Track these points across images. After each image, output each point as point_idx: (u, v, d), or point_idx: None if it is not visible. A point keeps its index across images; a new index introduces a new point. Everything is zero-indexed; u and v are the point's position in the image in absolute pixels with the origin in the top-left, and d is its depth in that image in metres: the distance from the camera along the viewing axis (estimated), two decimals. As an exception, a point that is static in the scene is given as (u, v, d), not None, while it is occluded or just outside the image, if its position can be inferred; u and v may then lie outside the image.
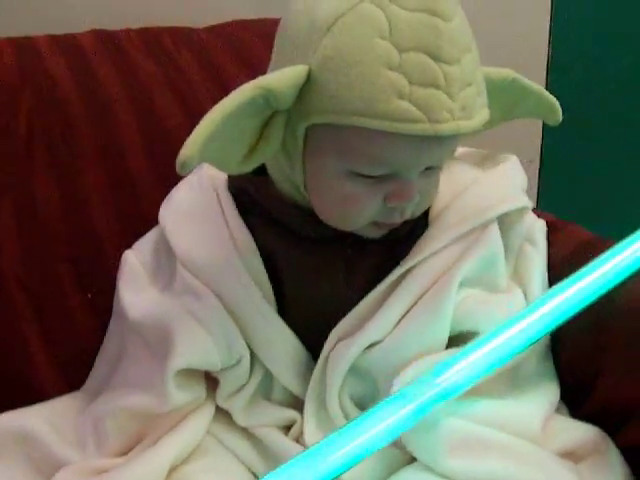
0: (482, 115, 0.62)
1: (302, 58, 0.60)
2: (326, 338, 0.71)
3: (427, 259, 0.69)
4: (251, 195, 0.73)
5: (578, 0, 1.43)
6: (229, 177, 0.75)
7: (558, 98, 0.75)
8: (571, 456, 0.68)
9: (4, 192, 0.85)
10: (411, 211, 0.67)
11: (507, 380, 0.70)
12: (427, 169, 0.65)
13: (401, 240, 0.71)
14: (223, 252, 0.71)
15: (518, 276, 0.74)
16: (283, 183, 0.71)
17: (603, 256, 0.63)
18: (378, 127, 0.58)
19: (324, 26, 0.59)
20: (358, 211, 0.65)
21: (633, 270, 0.64)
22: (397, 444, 0.67)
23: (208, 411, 0.72)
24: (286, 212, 0.71)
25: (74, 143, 0.88)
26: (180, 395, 0.69)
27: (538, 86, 0.74)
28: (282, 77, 0.59)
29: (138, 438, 0.71)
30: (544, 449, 0.66)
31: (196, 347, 0.69)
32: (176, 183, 0.79)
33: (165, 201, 0.78)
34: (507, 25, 1.34)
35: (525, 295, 0.73)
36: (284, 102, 0.60)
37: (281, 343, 0.71)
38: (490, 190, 0.74)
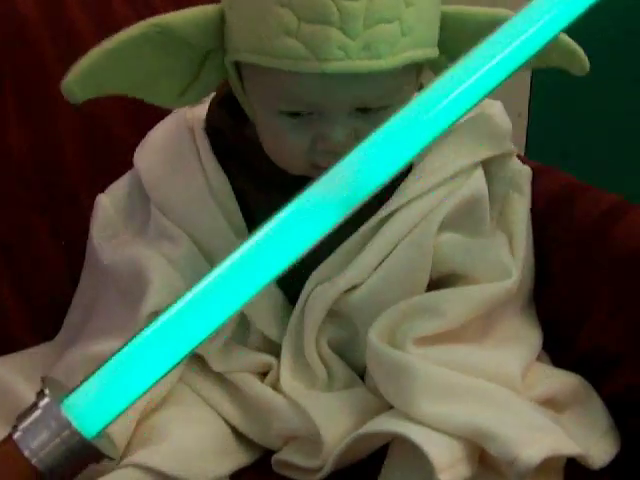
0: (404, 56, 0.58)
1: None
2: (304, 284, 0.69)
3: (410, 203, 0.68)
4: (226, 137, 0.71)
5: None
6: (207, 118, 0.73)
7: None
8: (552, 404, 0.67)
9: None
10: None
11: (486, 327, 0.69)
12: (364, 110, 0.61)
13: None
14: (198, 194, 0.70)
15: (503, 222, 0.73)
16: None
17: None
18: (267, 64, 0.58)
19: None
20: (288, 151, 0.64)
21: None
22: (373, 390, 0.67)
23: (180, 358, 0.71)
24: (259, 155, 0.69)
25: (45, 85, 0.85)
26: None
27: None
28: (183, 15, 0.60)
29: (110, 387, 0.69)
30: (523, 397, 0.65)
31: (169, 288, 0.67)
32: (151, 127, 0.77)
33: (141, 143, 0.76)
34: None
35: (510, 242, 0.72)
36: (192, 39, 0.61)
37: None
38: (474, 135, 0.72)
